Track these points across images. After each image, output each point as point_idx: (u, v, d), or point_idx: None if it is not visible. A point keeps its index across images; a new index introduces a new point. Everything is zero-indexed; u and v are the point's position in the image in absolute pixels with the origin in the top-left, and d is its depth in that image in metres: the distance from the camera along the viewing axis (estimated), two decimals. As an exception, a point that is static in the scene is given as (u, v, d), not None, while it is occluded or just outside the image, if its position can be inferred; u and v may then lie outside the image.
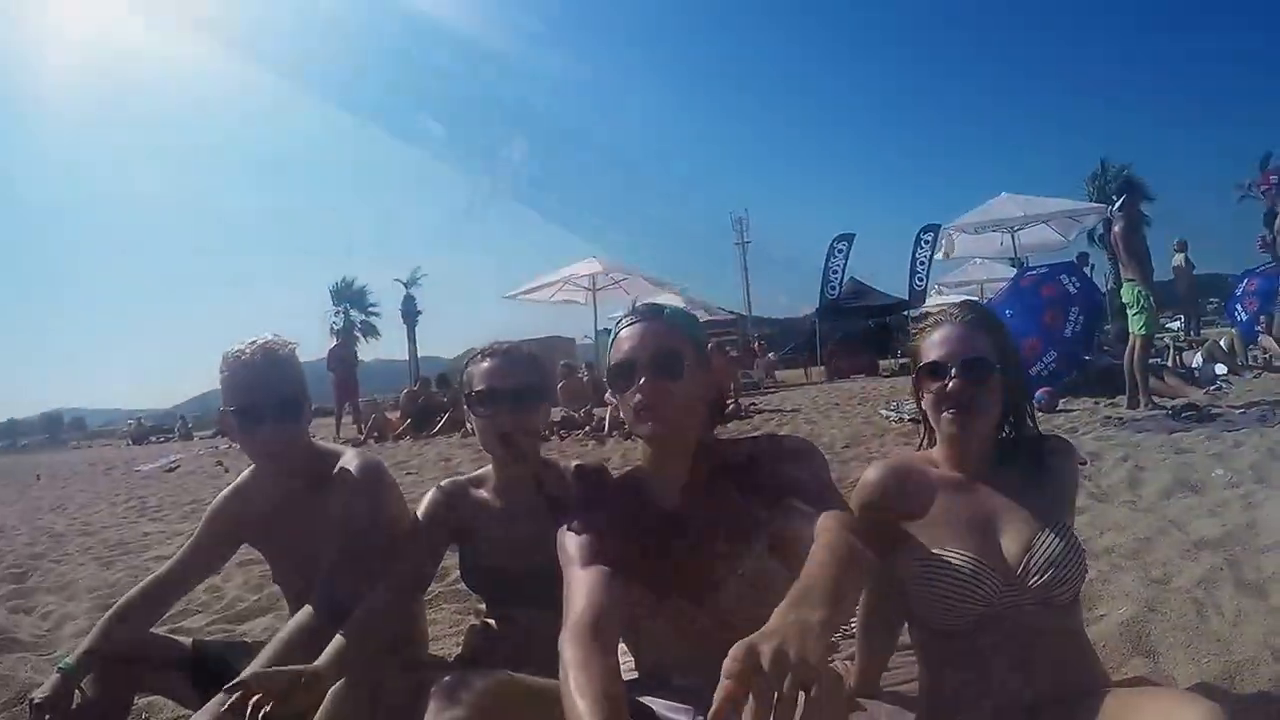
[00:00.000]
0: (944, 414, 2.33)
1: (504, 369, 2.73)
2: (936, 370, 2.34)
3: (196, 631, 4.77)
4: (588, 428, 14.13)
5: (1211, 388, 11.49)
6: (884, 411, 12.41)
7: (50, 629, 5.46)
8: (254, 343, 2.79)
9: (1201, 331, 20.21)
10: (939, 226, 29.16)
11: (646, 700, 2.15)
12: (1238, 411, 9.25)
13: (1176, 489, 5.72)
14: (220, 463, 17.00)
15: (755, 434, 2.39)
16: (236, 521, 3.04)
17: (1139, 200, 11.61)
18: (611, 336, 2.35)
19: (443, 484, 2.85)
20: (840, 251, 32.84)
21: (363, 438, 18.09)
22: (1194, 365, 13.51)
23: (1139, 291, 10.38)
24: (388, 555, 2.66)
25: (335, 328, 61.90)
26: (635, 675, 2.38)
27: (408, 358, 65.05)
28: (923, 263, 31.19)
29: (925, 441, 2.55)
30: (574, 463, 2.75)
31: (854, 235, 33.34)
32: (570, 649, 1.88)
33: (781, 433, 11.24)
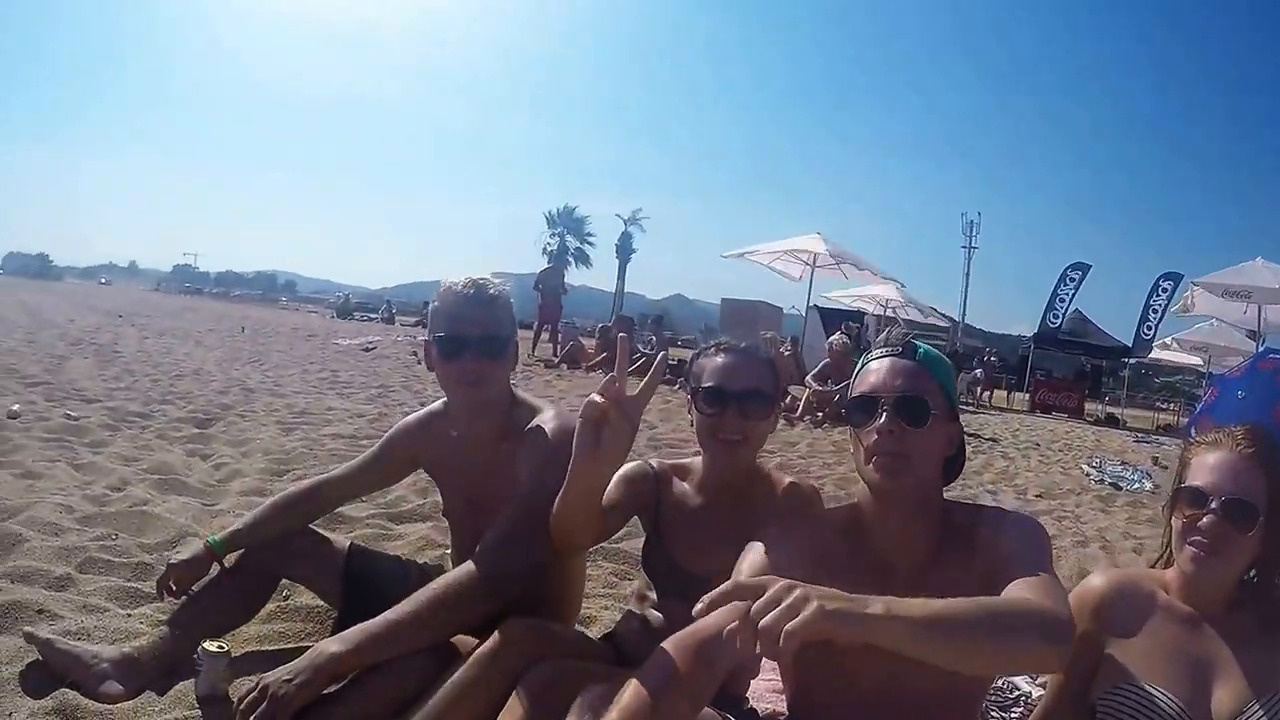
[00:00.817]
0: (1188, 547, 2.12)
1: (738, 369, 2.52)
2: (1196, 498, 2.13)
3: (355, 521, 4.82)
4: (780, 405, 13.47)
5: None
6: (1085, 467, 11.66)
7: (220, 480, 5.58)
8: (468, 278, 2.76)
9: None
10: (1180, 277, 27.76)
11: None
12: None
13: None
14: (415, 353, 17.27)
15: (982, 504, 2.14)
16: (418, 447, 3.05)
17: None
18: (860, 364, 2.17)
19: (651, 462, 2.69)
20: (1072, 280, 31.51)
21: (557, 360, 18.44)
22: None
23: None
24: None
25: (548, 249, 63.10)
26: (782, 712, 2.30)
27: (614, 291, 65.68)
28: (1155, 311, 29.56)
29: (1162, 560, 2.35)
30: (789, 479, 2.62)
31: (1090, 266, 31.98)
32: (660, 653, 1.73)
33: (976, 460, 10.95)
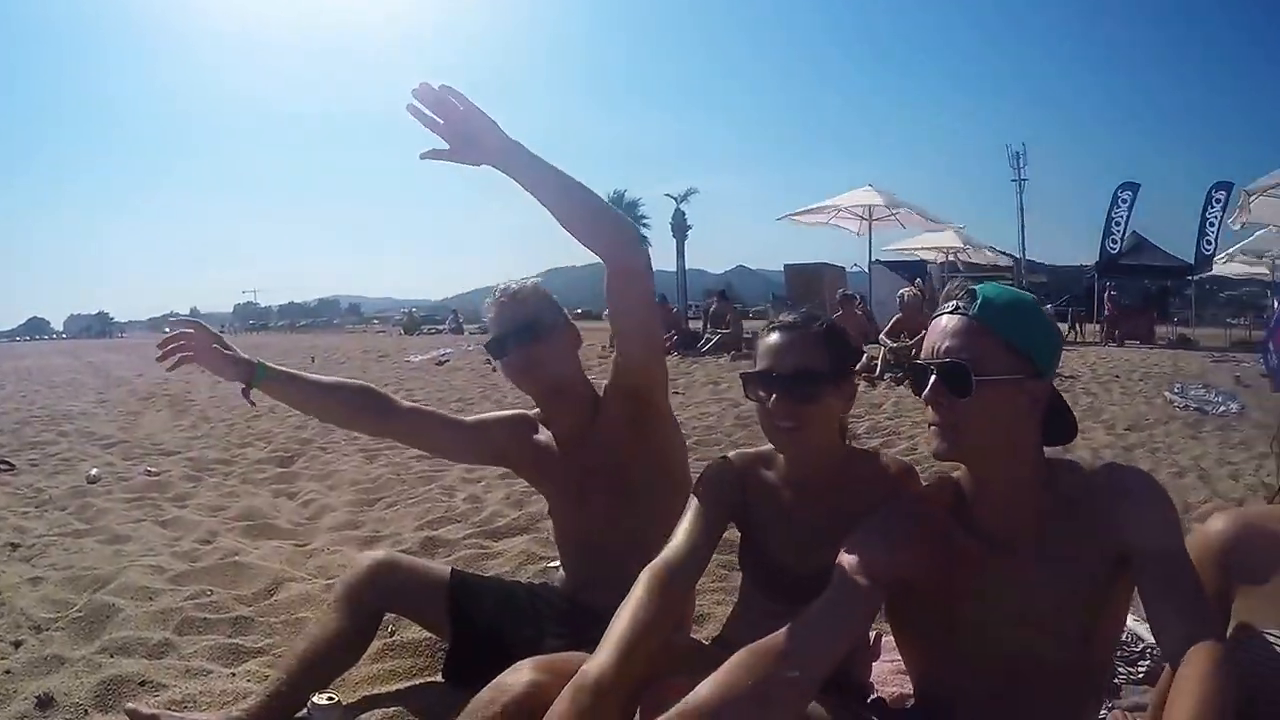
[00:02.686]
0: None
1: (785, 347, 2.30)
2: None
3: (453, 544, 4.77)
4: (857, 365, 13.22)
5: None
6: (1168, 395, 11.49)
7: (310, 518, 5.52)
8: (502, 285, 2.95)
9: None
10: (1233, 185, 26.99)
11: None
12: None
13: None
14: (489, 361, 17.28)
15: (1089, 465, 1.96)
16: (510, 442, 3.07)
17: None
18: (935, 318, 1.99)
19: (730, 455, 2.48)
20: (1124, 201, 30.59)
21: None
22: None
23: None
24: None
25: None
26: (907, 694, 2.33)
27: (676, 271, 65.63)
28: (1212, 224, 28.54)
29: None
30: (880, 457, 2.45)
31: (1139, 185, 31.05)
32: (744, 653, 1.71)
33: (1080, 422, 10.55)
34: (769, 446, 2.42)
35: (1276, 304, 23.25)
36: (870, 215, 22.07)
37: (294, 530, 5.21)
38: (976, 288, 1.91)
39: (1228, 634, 1.84)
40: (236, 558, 4.41)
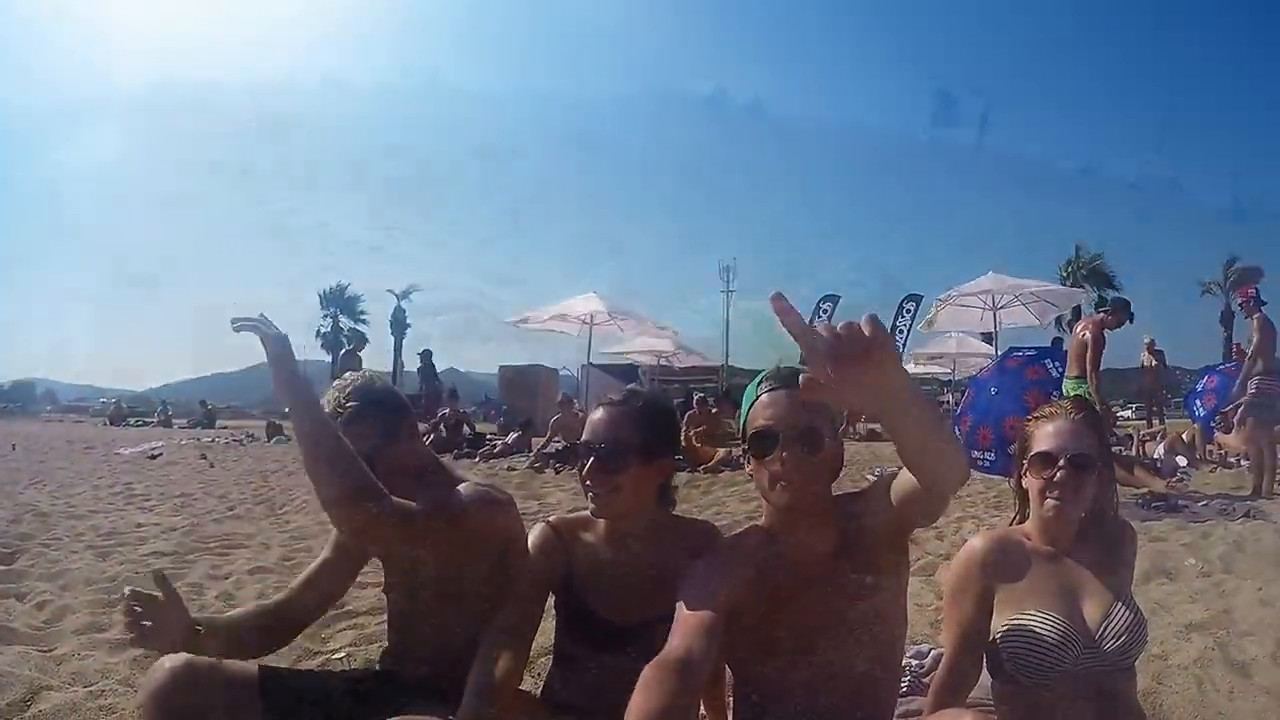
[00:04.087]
0: (1048, 500, 2.57)
1: (600, 421, 2.63)
2: (1047, 460, 2.57)
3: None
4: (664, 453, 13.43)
5: (1173, 479, 11.64)
6: (870, 476, 12.47)
7: (48, 621, 5.21)
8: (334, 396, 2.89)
9: (1166, 422, 20.49)
10: (921, 297, 29.69)
11: None
12: (1199, 504, 9.61)
13: (1155, 575, 6.06)
14: (205, 456, 17.14)
15: (854, 491, 2.58)
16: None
17: (1124, 317, 11.56)
18: (750, 399, 2.38)
19: (552, 520, 2.77)
20: (825, 313, 32.19)
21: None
22: (1156, 456, 13.92)
23: (1087, 392, 10.47)
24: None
25: (321, 331, 61.40)
26: None
27: (391, 370, 64.53)
28: (901, 331, 31.19)
29: (1018, 518, 2.79)
30: (687, 520, 2.87)
31: (839, 297, 33.09)
32: (649, 671, 1.92)
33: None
34: (585, 513, 2.70)
35: (952, 398, 25.38)
36: (592, 320, 22.71)
37: (35, 635, 4.85)
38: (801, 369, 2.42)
39: (995, 625, 2.55)
40: (-21, 668, 4.10)
